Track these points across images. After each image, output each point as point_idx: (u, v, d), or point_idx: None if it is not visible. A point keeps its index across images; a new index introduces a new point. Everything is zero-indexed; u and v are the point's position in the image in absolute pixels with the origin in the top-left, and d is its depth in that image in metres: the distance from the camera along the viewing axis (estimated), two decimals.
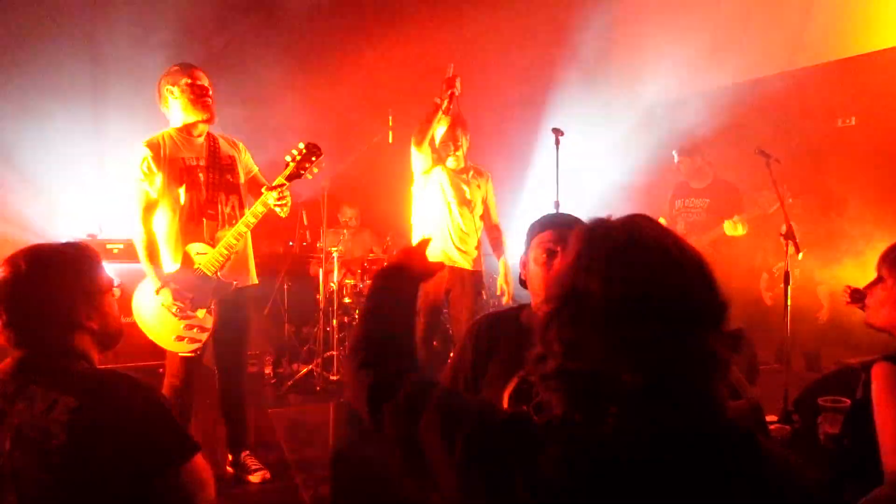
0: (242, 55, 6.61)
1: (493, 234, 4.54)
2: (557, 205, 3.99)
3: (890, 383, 1.80)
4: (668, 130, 7.08)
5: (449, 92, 4.04)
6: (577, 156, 6.93)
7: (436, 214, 4.25)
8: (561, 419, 0.98)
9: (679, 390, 0.94)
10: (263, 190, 3.28)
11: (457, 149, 4.25)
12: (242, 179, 3.51)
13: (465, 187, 4.28)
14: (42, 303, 1.67)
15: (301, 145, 3.28)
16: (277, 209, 3.28)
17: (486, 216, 4.49)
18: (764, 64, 6.98)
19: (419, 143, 4.11)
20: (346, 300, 5.72)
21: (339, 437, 2.62)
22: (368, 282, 5.71)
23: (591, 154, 6.92)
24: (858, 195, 5.32)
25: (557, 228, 1.90)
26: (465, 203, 4.28)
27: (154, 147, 3.26)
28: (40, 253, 1.70)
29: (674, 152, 5.40)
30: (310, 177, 3.32)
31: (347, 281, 5.77)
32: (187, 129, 3.35)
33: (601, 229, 1.06)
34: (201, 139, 3.40)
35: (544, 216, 2.02)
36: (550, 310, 1.01)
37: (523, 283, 2.06)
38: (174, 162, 3.29)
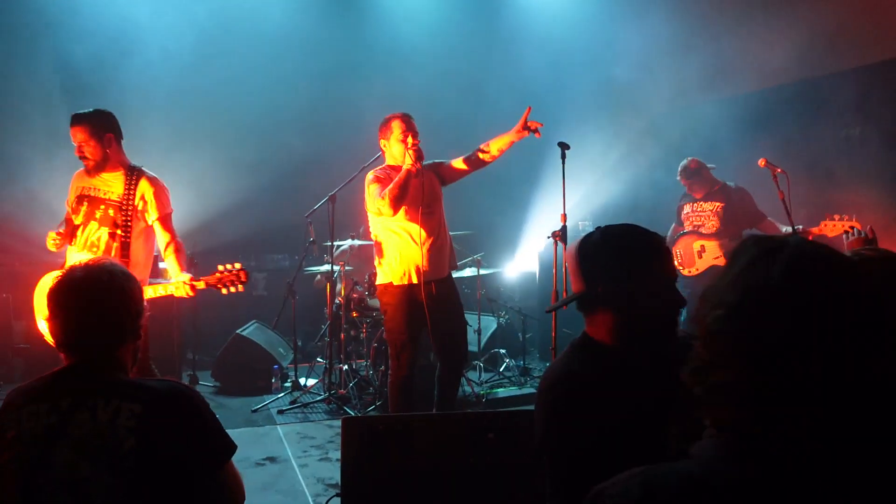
0: None
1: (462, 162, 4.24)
2: (564, 218, 3.99)
3: None
4: (673, 142, 7.10)
5: (412, 150, 3.92)
6: (584, 168, 6.96)
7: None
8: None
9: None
10: (184, 280, 3.66)
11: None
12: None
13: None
14: (101, 315, 1.75)
15: (238, 266, 3.58)
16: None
17: (456, 169, 4.23)
18: (771, 74, 6.98)
19: (395, 211, 3.93)
20: (353, 314, 5.73)
21: (349, 452, 2.62)
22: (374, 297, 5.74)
23: (598, 166, 6.94)
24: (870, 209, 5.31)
25: None
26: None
27: None
28: (101, 269, 1.79)
29: (677, 177, 5.57)
30: (224, 292, 3.62)
31: (354, 294, 5.79)
32: None
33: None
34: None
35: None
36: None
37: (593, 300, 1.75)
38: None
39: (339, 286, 5.74)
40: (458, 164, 4.22)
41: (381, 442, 2.65)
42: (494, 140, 4.08)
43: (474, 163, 4.17)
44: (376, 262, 4.28)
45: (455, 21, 8.59)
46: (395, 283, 4.11)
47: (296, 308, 6.00)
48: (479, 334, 6.36)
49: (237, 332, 6.21)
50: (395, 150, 4.07)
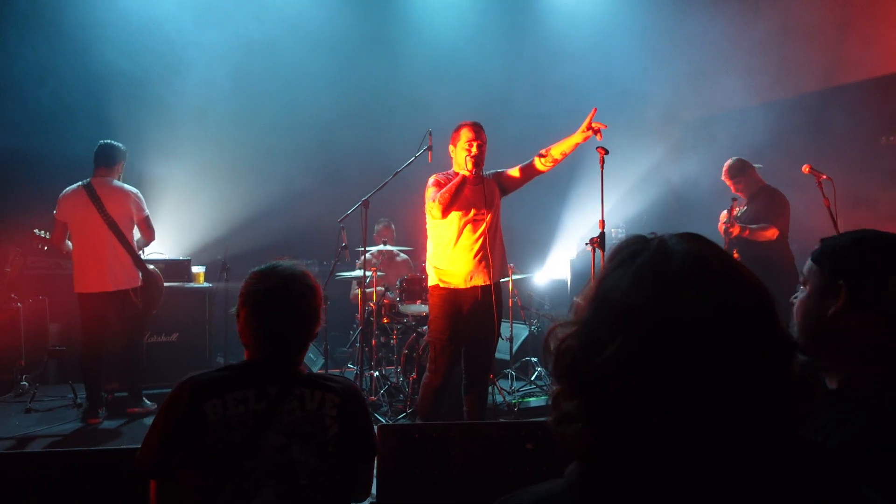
0: None
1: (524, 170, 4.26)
2: (603, 224, 3.91)
3: None
4: (708, 149, 6.98)
5: (471, 158, 3.97)
6: (617, 174, 6.87)
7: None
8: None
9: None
10: None
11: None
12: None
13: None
14: (307, 316, 1.92)
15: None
16: None
17: (512, 178, 4.25)
18: (802, 81, 6.85)
19: (444, 215, 4.01)
20: (384, 320, 5.69)
21: (385, 460, 2.58)
22: (405, 302, 5.70)
23: (632, 173, 6.84)
24: None
25: None
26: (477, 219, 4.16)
27: None
28: (302, 272, 1.94)
29: (721, 177, 5.44)
30: None
31: (385, 301, 5.76)
32: None
33: None
34: None
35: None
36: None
37: None
38: None
39: (373, 292, 5.71)
40: (514, 172, 4.25)
41: (417, 450, 2.61)
42: (557, 144, 4.05)
43: (528, 171, 4.19)
44: (427, 264, 4.35)
45: (485, 26, 8.58)
46: (441, 286, 4.18)
47: (327, 313, 5.97)
48: (511, 342, 6.27)
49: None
50: (459, 157, 4.11)
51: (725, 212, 4.99)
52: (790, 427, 0.82)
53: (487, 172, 4.16)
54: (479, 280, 4.13)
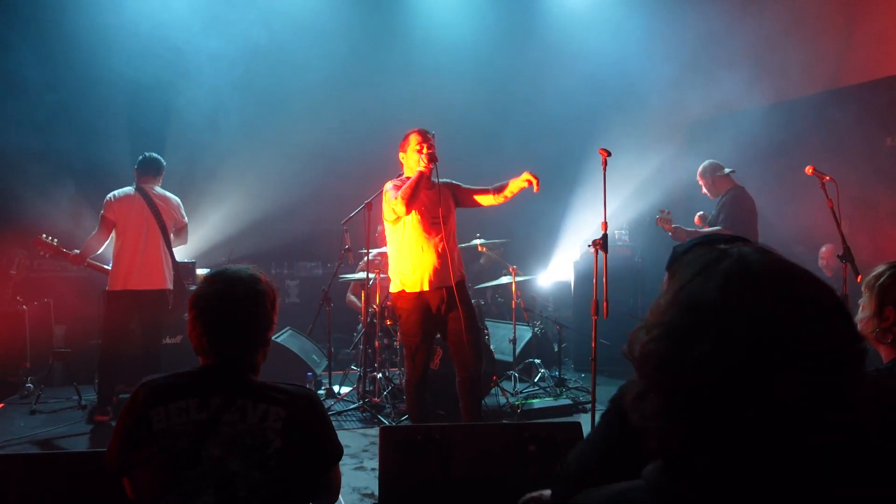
0: None
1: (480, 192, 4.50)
2: (605, 226, 3.91)
3: None
4: (712, 150, 6.96)
5: (425, 156, 4.15)
6: (620, 177, 6.86)
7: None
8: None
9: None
10: None
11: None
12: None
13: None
14: (252, 320, 1.87)
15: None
16: None
17: (467, 193, 4.47)
18: (808, 83, 6.83)
19: (408, 211, 4.17)
20: (388, 322, 5.69)
21: (387, 461, 2.58)
22: None
23: (636, 175, 6.83)
24: None
25: None
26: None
27: None
28: (252, 276, 1.90)
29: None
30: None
31: (388, 303, 5.76)
32: None
33: None
34: None
35: None
36: None
37: None
38: None
39: (376, 294, 5.71)
40: (471, 190, 4.47)
41: (419, 451, 2.60)
42: (508, 185, 4.32)
43: (482, 197, 4.46)
44: (390, 271, 4.49)
45: (490, 28, 8.59)
46: (407, 290, 4.31)
47: (330, 315, 5.99)
48: (514, 344, 6.27)
49: (271, 338, 6.21)
50: (412, 161, 4.30)
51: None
52: (866, 429, 0.84)
53: (442, 180, 4.33)
54: (442, 281, 4.29)
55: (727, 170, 5.45)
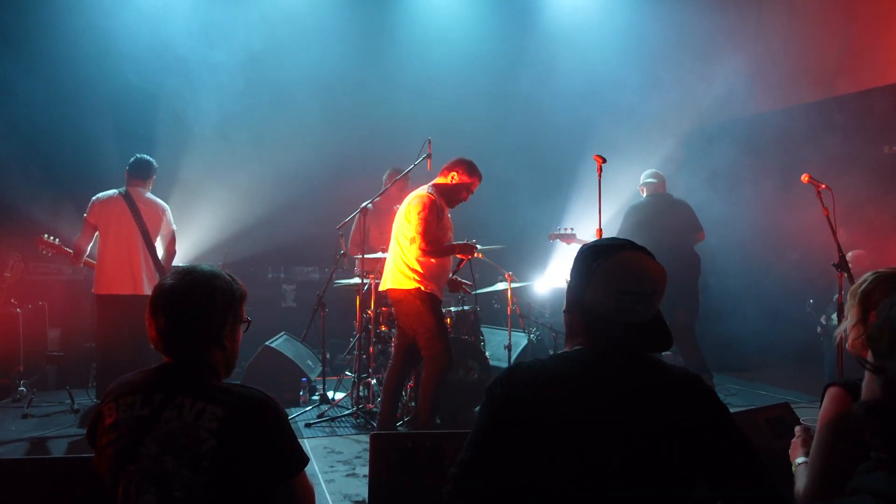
0: None
1: None
2: (600, 233, 3.91)
3: (829, 407, 1.78)
4: (709, 157, 6.96)
5: (470, 252, 4.57)
6: (618, 184, 6.86)
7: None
8: None
9: None
10: None
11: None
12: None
13: None
14: (201, 318, 1.83)
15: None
16: None
17: None
18: (805, 90, 6.84)
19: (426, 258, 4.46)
20: (382, 328, 5.67)
21: (377, 468, 2.56)
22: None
23: (633, 182, 6.82)
24: None
25: None
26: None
27: None
28: (208, 274, 1.87)
29: None
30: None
31: (383, 308, 5.74)
32: None
33: None
34: None
35: None
36: None
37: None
38: None
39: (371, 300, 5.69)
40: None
41: (409, 459, 2.59)
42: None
43: None
44: (406, 270, 4.49)
45: (488, 32, 8.61)
46: (437, 295, 4.54)
47: (325, 321, 5.97)
48: (510, 350, 6.25)
49: (266, 343, 6.19)
50: (456, 193, 4.56)
51: None
52: None
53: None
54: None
55: (645, 178, 5.89)
